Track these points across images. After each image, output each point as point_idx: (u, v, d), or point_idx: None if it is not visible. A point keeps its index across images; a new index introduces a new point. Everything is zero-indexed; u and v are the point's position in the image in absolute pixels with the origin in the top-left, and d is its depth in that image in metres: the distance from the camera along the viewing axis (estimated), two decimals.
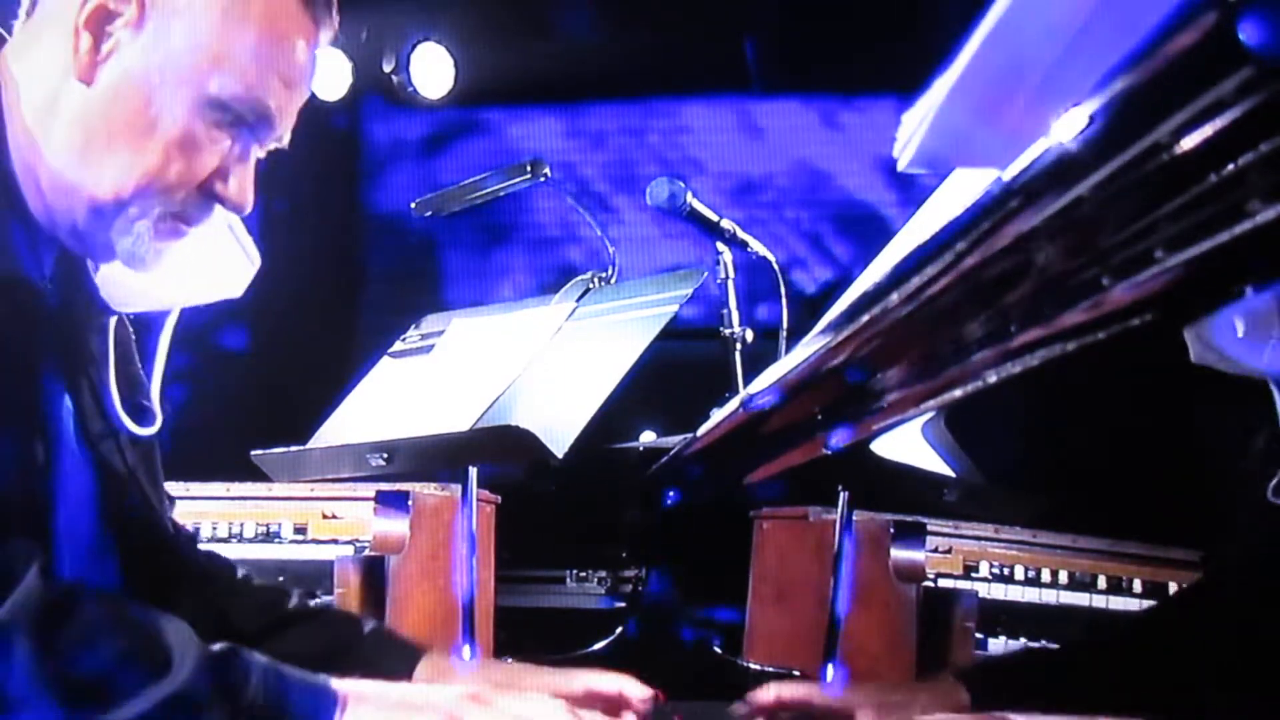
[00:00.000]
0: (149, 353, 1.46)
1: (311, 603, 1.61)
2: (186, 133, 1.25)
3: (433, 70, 4.90)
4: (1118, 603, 2.65)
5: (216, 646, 1.12)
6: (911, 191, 4.82)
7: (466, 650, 1.91)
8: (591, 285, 2.35)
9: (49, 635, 1.03)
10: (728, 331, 2.42)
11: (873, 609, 2.19)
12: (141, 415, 1.41)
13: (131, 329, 1.48)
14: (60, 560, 1.25)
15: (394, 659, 1.50)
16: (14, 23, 1.31)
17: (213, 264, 1.43)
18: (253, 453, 2.16)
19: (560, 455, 1.81)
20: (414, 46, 4.87)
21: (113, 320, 1.40)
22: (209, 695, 1.06)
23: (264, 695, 1.09)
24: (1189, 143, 0.61)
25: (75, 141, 1.24)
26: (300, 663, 1.16)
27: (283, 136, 1.36)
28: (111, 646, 1.06)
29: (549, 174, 2.53)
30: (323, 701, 1.12)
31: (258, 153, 1.35)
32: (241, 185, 1.32)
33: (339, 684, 1.16)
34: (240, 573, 1.60)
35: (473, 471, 2.00)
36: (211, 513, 2.63)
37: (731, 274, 2.44)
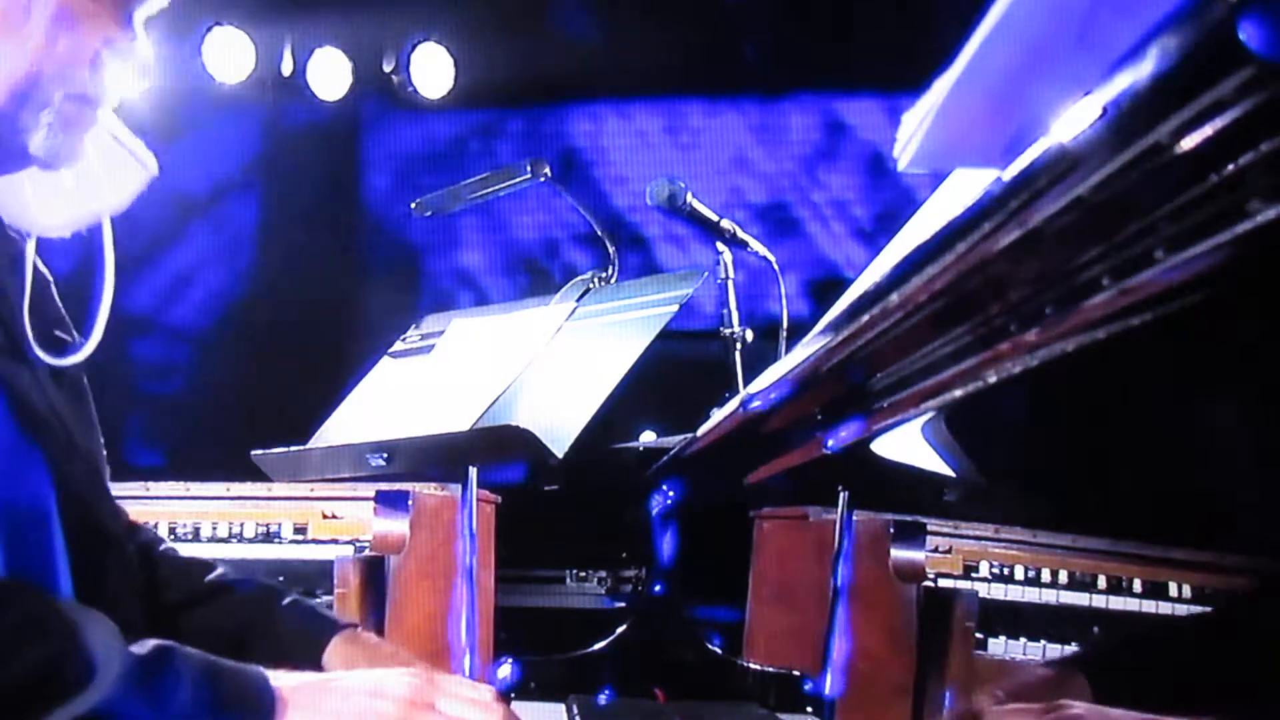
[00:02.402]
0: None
1: (234, 578, 1.52)
2: (63, 6, 1.20)
3: (433, 70, 4.90)
4: (1117, 603, 2.65)
5: (148, 646, 1.07)
6: (910, 192, 4.82)
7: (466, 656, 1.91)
8: (591, 285, 2.35)
9: None
10: (728, 331, 2.42)
11: (873, 609, 2.19)
12: (59, 347, 1.31)
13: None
14: None
15: (308, 634, 1.44)
16: None
17: (100, 173, 1.35)
18: (253, 453, 2.16)
19: (560, 455, 1.81)
20: (414, 46, 4.87)
21: (29, 244, 1.32)
22: (132, 706, 1.02)
23: (194, 699, 1.05)
24: (1189, 143, 0.61)
25: None
26: (216, 636, 1.13)
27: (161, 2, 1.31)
28: (31, 655, 1.01)
29: (549, 174, 2.53)
30: (260, 704, 1.09)
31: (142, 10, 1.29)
32: (134, 49, 1.26)
33: (282, 684, 1.12)
34: (163, 545, 1.53)
35: (473, 471, 2.00)
36: (211, 513, 2.64)
37: (731, 274, 2.44)
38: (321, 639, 1.44)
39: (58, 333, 1.35)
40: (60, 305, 1.40)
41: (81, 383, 1.37)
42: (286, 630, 1.45)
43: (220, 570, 1.51)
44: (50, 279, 1.40)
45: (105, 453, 1.41)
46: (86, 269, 1.39)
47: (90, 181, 1.33)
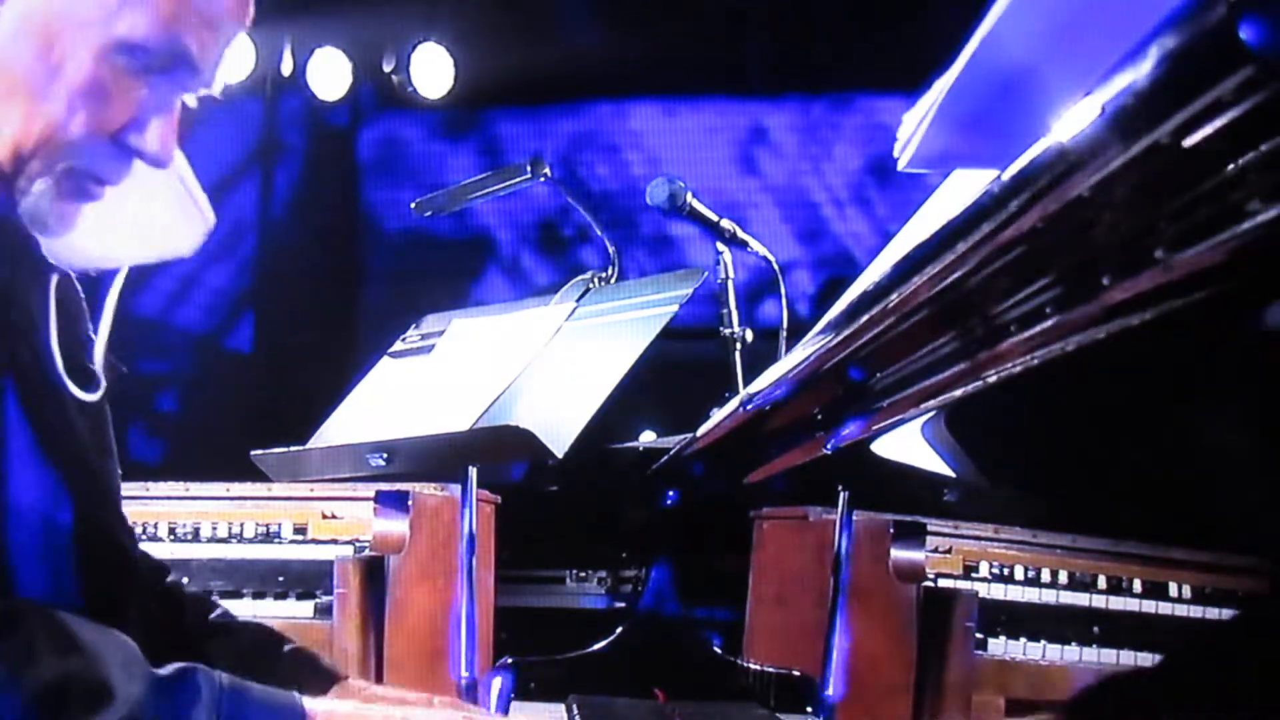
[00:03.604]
0: (96, 313, 1.35)
1: (241, 617, 1.52)
2: (93, 79, 1.13)
3: (433, 70, 4.91)
4: (1117, 603, 2.65)
5: (170, 669, 1.06)
6: (908, 192, 4.82)
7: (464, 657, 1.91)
8: (591, 285, 2.35)
9: None
10: (728, 331, 2.42)
11: (873, 609, 2.20)
12: (87, 379, 1.29)
13: (80, 289, 1.36)
14: (4, 542, 1.15)
15: (307, 682, 1.41)
16: None
17: (160, 220, 1.31)
18: (253, 453, 2.16)
19: (560, 455, 1.81)
20: (414, 46, 4.87)
21: (54, 278, 1.28)
22: None
23: (221, 717, 1.05)
24: (1188, 143, 0.61)
25: None
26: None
27: (212, 82, 1.23)
28: (48, 673, 1.00)
29: (549, 173, 2.53)
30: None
31: (188, 100, 1.23)
32: (161, 137, 1.18)
33: (309, 702, 1.11)
34: (169, 576, 1.51)
35: (473, 471, 2.00)
36: (211, 513, 2.63)
37: (731, 274, 2.44)
38: (323, 688, 1.43)
39: (85, 363, 1.33)
40: (90, 331, 1.38)
41: (104, 409, 1.35)
42: (286, 676, 1.45)
43: (222, 609, 1.50)
44: (85, 308, 1.37)
45: (120, 475, 1.41)
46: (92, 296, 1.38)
47: (147, 223, 1.30)
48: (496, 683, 1.83)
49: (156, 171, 1.24)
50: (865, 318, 1.03)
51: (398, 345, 2.48)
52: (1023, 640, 2.55)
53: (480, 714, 1.20)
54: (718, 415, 1.66)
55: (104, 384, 1.32)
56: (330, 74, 4.84)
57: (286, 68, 4.77)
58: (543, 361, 2.06)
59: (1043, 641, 2.56)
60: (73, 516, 1.22)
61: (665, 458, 2.04)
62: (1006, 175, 0.75)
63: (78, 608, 1.15)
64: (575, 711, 1.74)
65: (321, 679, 1.44)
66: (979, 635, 2.44)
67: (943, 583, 2.55)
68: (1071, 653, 2.56)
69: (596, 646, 1.99)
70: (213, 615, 1.48)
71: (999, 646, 2.51)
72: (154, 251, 1.34)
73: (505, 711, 1.76)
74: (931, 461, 1.49)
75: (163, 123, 1.18)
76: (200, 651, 1.39)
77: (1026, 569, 2.64)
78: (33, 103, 1.13)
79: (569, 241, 5.22)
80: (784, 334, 2.48)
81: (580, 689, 1.84)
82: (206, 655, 1.38)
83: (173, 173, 1.29)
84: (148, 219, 1.29)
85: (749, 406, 1.44)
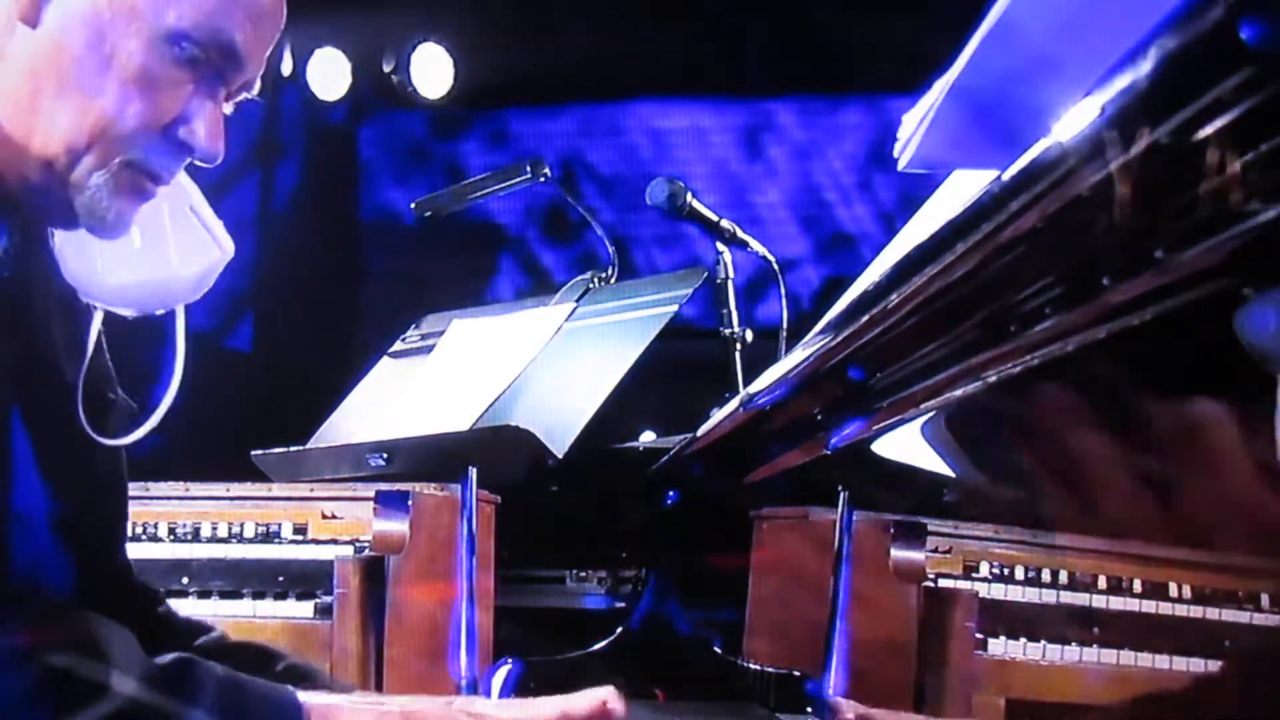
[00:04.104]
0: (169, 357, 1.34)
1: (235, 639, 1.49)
2: (143, 70, 1.13)
3: (433, 70, 4.91)
4: (1117, 603, 2.65)
5: (168, 658, 1.06)
6: (907, 192, 4.82)
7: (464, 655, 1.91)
8: (591, 285, 2.35)
9: None
10: (728, 331, 2.42)
11: (873, 609, 2.19)
12: (107, 422, 1.28)
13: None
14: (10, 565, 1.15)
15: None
16: None
17: (173, 248, 1.30)
18: (253, 453, 2.17)
19: (560, 455, 1.82)
20: (414, 46, 4.87)
21: (98, 315, 1.28)
22: (151, 715, 1.01)
23: (218, 709, 1.04)
24: (1188, 143, 0.61)
25: (23, 90, 1.12)
26: None
27: (252, 83, 1.24)
28: (45, 659, 0.99)
29: (549, 174, 2.53)
30: (285, 715, 1.08)
31: (226, 106, 1.23)
32: (210, 130, 1.18)
33: (305, 697, 1.11)
34: (163, 606, 1.49)
35: (473, 471, 2.00)
36: (211, 513, 2.63)
37: (731, 274, 2.44)
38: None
39: (109, 395, 1.32)
40: (109, 364, 1.37)
41: (119, 451, 1.34)
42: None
43: (219, 632, 1.49)
44: (104, 344, 1.35)
45: (128, 513, 1.40)
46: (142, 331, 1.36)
47: (159, 254, 1.29)
48: (496, 682, 1.83)
49: (165, 200, 1.24)
50: (865, 318, 1.03)
51: (398, 345, 2.48)
52: (1023, 640, 2.54)
53: (481, 702, 1.18)
54: (718, 415, 1.65)
55: (133, 433, 1.30)
56: (330, 74, 4.84)
57: (286, 68, 4.77)
58: (543, 362, 2.07)
59: (1043, 641, 2.56)
60: (73, 554, 1.21)
61: (665, 458, 2.04)
62: (1006, 175, 0.75)
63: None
64: None
65: (322, 689, 1.43)
66: (979, 635, 2.44)
67: (943, 583, 2.55)
68: (1071, 653, 2.56)
69: (596, 646, 1.99)
70: (203, 639, 1.46)
71: (999, 646, 2.51)
72: (162, 277, 1.31)
73: None
74: (931, 461, 1.49)
75: (211, 117, 1.18)
76: None
77: (1026, 569, 2.63)
78: (86, 96, 1.12)
79: (569, 242, 5.22)
80: (784, 334, 2.48)
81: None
82: None
83: (182, 200, 1.29)
84: (157, 246, 1.28)
85: (749, 406, 1.44)
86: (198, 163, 1.22)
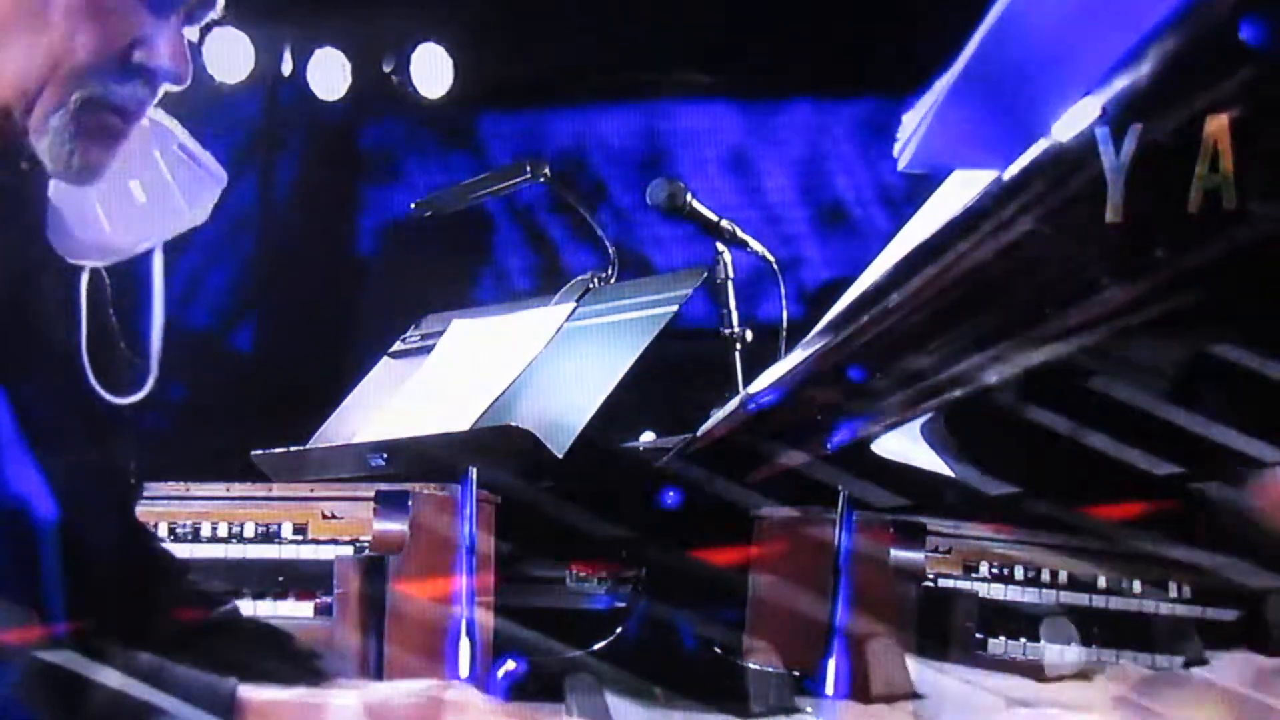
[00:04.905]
0: (144, 305, 1.28)
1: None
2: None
3: (433, 70, 4.90)
4: (1117, 603, 2.65)
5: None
6: (908, 192, 4.82)
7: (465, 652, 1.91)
8: (591, 285, 2.35)
9: None
10: (728, 331, 2.42)
11: (873, 609, 2.19)
12: (119, 379, 1.23)
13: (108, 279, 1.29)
14: None
15: (309, 679, 1.33)
16: None
17: (171, 190, 1.25)
18: (253, 453, 2.17)
19: (560, 455, 1.82)
20: (413, 47, 4.87)
21: (85, 274, 1.21)
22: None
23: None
24: (1188, 143, 0.61)
25: None
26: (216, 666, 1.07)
27: (216, 2, 1.15)
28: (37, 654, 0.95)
29: (549, 174, 2.53)
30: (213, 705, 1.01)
31: (190, 30, 1.15)
32: (171, 49, 1.10)
33: (251, 697, 1.03)
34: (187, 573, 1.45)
35: (473, 471, 2.00)
36: (211, 513, 2.63)
37: (731, 274, 2.44)
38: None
39: (115, 351, 1.28)
40: (113, 319, 1.32)
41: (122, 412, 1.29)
42: (290, 673, 1.42)
43: (231, 605, 1.46)
44: (107, 300, 1.30)
45: (136, 482, 1.37)
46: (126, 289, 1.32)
47: (168, 205, 1.24)
48: (504, 670, 1.83)
49: (155, 146, 1.20)
50: (865, 318, 1.03)
51: (398, 345, 2.48)
52: (1023, 640, 2.55)
53: (459, 687, 1.11)
54: (718, 415, 1.65)
55: (140, 391, 1.26)
56: (330, 74, 4.83)
57: (286, 68, 4.77)
58: (543, 362, 2.07)
59: (1043, 642, 2.56)
60: (58, 520, 1.15)
61: (665, 458, 2.04)
62: (1006, 175, 0.75)
63: (57, 608, 1.12)
64: (575, 711, 1.74)
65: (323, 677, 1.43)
66: (979, 635, 2.44)
67: (943, 583, 2.55)
68: (1072, 653, 2.56)
69: (596, 646, 1.99)
70: (218, 610, 1.44)
71: (999, 646, 2.51)
72: (176, 224, 1.27)
73: None
74: (931, 461, 1.49)
75: (169, 36, 1.10)
76: (205, 646, 1.38)
77: (1026, 569, 2.64)
78: (29, 33, 1.06)
79: (568, 242, 5.22)
80: (784, 334, 2.48)
81: (580, 689, 1.84)
82: (211, 650, 1.38)
83: (169, 138, 1.24)
84: (159, 189, 1.23)
85: (749, 406, 1.44)
86: (166, 87, 1.13)
